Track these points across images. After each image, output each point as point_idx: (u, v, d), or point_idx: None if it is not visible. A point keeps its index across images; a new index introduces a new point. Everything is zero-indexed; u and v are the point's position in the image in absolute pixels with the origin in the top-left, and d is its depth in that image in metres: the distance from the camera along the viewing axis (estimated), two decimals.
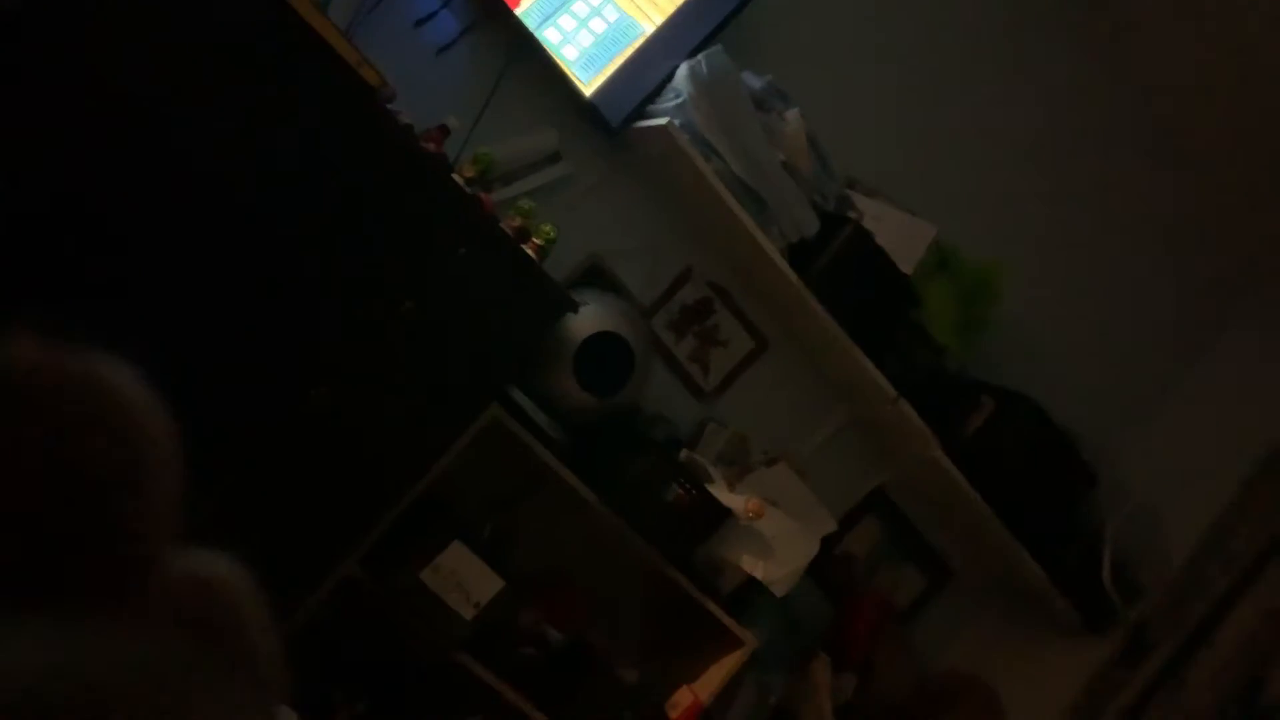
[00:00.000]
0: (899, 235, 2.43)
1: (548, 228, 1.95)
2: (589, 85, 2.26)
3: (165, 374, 1.54)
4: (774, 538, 2.39)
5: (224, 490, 1.76)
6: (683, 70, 2.24)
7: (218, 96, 1.61)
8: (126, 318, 1.59)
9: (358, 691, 2.14)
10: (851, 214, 2.42)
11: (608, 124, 2.28)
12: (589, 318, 2.23)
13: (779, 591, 2.35)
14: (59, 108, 1.52)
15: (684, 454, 2.41)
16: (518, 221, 1.93)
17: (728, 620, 2.37)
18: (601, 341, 2.23)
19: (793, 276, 2.35)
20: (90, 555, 0.63)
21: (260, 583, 0.80)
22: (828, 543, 2.64)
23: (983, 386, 2.67)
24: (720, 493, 2.33)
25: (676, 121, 2.20)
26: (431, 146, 1.85)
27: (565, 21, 2.24)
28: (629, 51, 2.28)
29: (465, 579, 2.09)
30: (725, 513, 2.32)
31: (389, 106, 1.77)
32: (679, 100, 2.24)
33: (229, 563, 0.74)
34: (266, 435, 1.79)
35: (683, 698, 2.36)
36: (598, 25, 2.27)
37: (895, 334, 2.52)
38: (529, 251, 1.91)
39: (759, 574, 2.35)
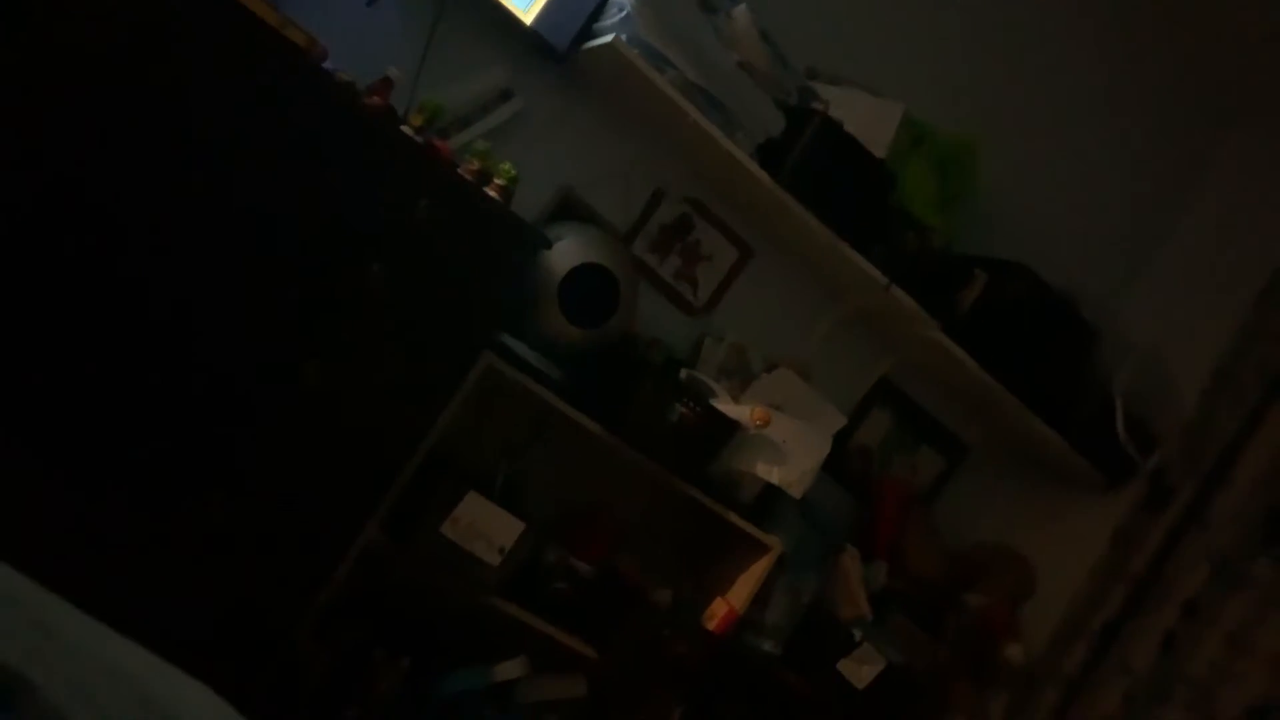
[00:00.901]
0: (867, 119, 2.37)
1: (507, 166, 1.91)
2: (528, 13, 2.19)
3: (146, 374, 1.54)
4: (785, 442, 2.39)
5: (236, 479, 1.78)
6: None
7: (149, 78, 1.57)
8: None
9: (398, 650, 2.18)
10: (816, 105, 2.36)
11: (554, 50, 2.22)
12: (567, 252, 2.21)
13: (796, 493, 2.37)
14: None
15: (684, 373, 2.40)
16: (476, 165, 1.89)
17: (751, 529, 2.40)
18: (583, 274, 2.21)
19: (766, 179, 2.31)
20: None
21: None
22: (840, 438, 2.64)
23: (973, 260, 2.64)
24: (725, 406, 2.33)
25: (623, 36, 2.14)
26: (376, 101, 1.80)
27: None
28: None
29: (486, 527, 2.11)
30: (733, 425, 2.32)
31: (324, 66, 1.72)
32: (623, 14, 2.17)
33: None
34: (265, 419, 1.79)
35: (718, 608, 2.40)
36: None
37: (878, 220, 2.48)
38: (492, 193, 1.88)
39: (774, 479, 2.36)
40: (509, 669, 2.28)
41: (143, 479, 1.70)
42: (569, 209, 2.44)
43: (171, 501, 1.73)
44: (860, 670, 2.49)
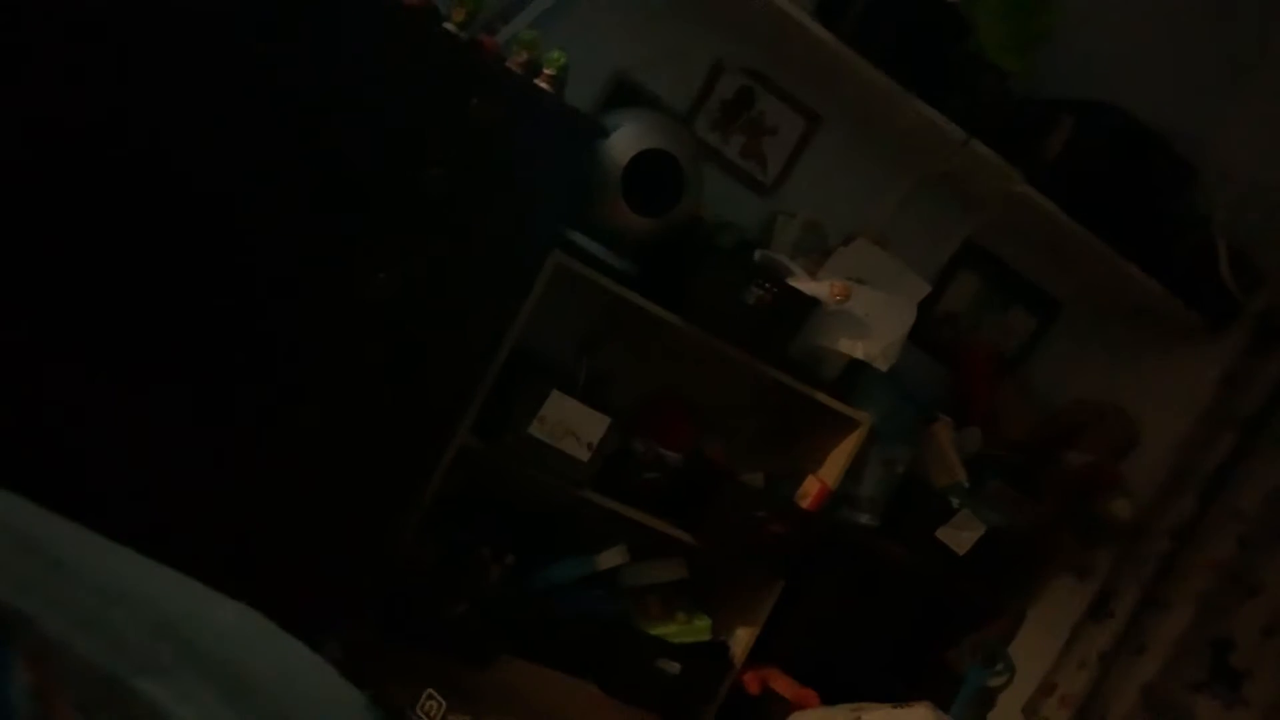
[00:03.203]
0: None
1: (556, 54, 1.84)
2: None
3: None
4: (867, 314, 2.33)
5: (327, 393, 1.82)
6: None
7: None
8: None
9: (503, 546, 2.25)
10: None
11: None
12: (627, 139, 2.15)
13: (883, 366, 2.32)
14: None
15: (758, 254, 2.34)
16: (523, 56, 1.82)
17: (838, 405, 2.37)
18: (646, 161, 2.14)
19: (828, 37, 2.19)
20: None
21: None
22: (926, 305, 2.57)
23: (1058, 104, 2.49)
24: (802, 283, 2.28)
25: None
26: (416, 0, 1.74)
27: None
28: None
29: (572, 424, 2.13)
30: (812, 302, 2.27)
31: None
32: None
33: None
34: (345, 332, 1.81)
35: (810, 486, 2.40)
36: None
37: (952, 70, 2.34)
38: (543, 85, 1.82)
39: (859, 353, 2.32)
40: (610, 557, 2.34)
41: (227, 395, 1.75)
42: (625, 94, 2.37)
43: (262, 416, 1.78)
44: (960, 536, 2.48)
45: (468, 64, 1.73)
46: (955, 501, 2.48)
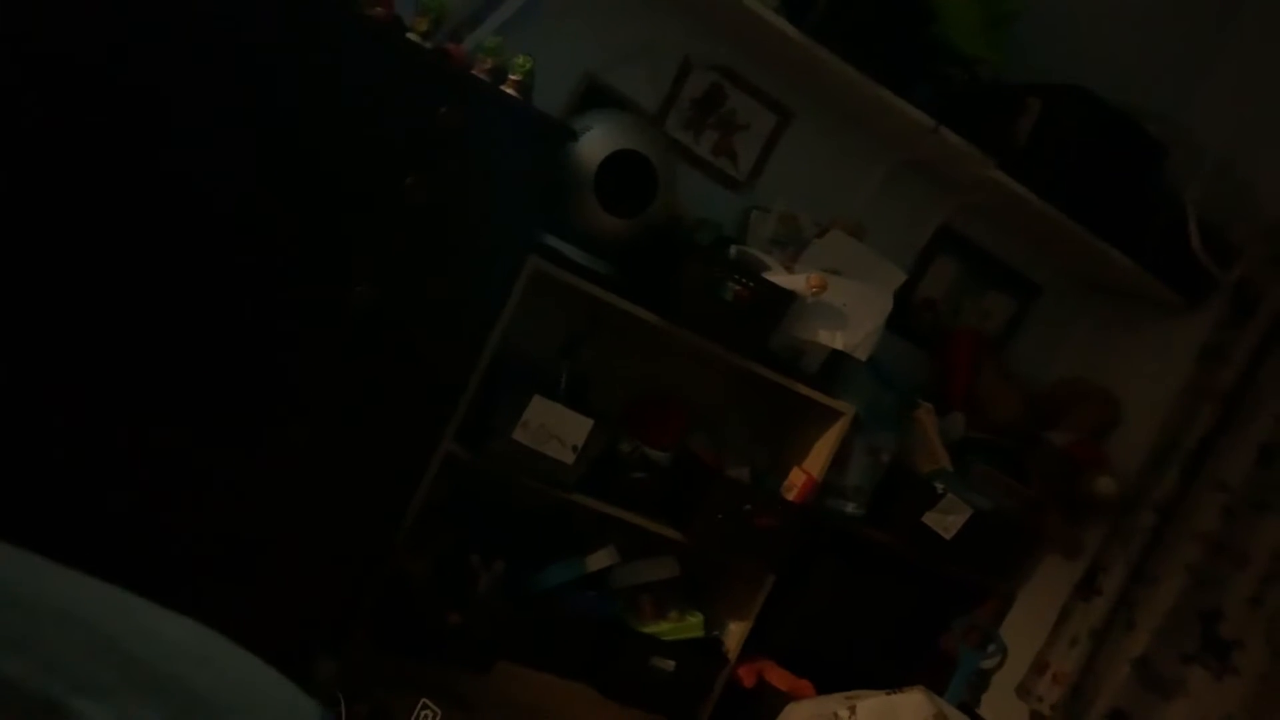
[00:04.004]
0: None
1: (521, 60, 1.84)
2: None
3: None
4: (844, 305, 2.34)
5: (316, 410, 1.82)
6: None
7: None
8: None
9: (492, 554, 2.25)
10: None
11: None
12: (598, 141, 2.15)
13: (861, 356, 2.33)
14: None
15: (733, 250, 2.35)
16: (489, 63, 1.82)
17: (820, 396, 2.38)
18: (618, 162, 2.15)
19: (793, 31, 2.20)
20: None
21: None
22: (905, 292, 2.59)
23: (1026, 88, 2.50)
24: (778, 277, 2.28)
25: None
26: (380, 12, 1.74)
27: None
28: None
29: (556, 428, 2.14)
30: (790, 295, 2.28)
31: None
32: None
33: None
34: (323, 346, 1.81)
35: (796, 478, 2.41)
36: None
37: (919, 58, 2.36)
38: (510, 90, 1.82)
39: (838, 344, 2.33)
40: (599, 559, 2.34)
41: (214, 414, 1.74)
42: (595, 96, 2.37)
43: (248, 434, 1.78)
44: (946, 521, 2.49)
45: (434, 74, 1.72)
46: (940, 487, 2.50)
